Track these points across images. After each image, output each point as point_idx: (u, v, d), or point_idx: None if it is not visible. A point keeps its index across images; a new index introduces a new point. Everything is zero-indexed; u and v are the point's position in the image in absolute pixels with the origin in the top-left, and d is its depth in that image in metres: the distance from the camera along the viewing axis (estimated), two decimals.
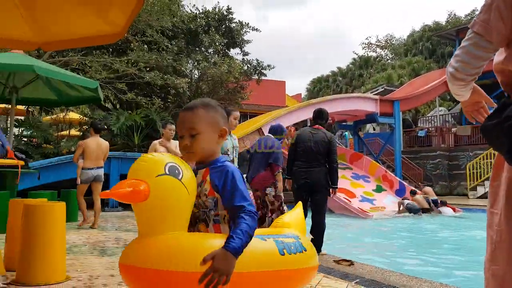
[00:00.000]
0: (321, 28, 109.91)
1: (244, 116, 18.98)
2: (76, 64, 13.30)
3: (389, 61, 38.56)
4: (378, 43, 41.80)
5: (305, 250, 1.84)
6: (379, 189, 14.69)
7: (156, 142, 7.03)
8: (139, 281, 1.57)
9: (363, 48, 42.80)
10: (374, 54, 40.90)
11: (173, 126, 6.93)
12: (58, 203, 3.66)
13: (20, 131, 14.98)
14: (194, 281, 1.42)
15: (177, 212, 1.60)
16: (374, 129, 26.32)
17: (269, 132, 6.26)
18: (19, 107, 14.80)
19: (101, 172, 7.46)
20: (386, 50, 41.20)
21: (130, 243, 1.68)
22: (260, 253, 1.67)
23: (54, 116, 17.99)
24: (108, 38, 4.98)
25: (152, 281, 1.51)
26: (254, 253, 1.62)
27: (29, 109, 17.61)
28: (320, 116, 5.64)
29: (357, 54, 40.75)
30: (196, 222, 1.72)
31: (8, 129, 8.15)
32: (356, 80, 36.91)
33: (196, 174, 1.74)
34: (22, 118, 15.67)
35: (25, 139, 14.27)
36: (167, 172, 1.57)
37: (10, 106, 8.29)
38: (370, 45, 41.73)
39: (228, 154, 4.67)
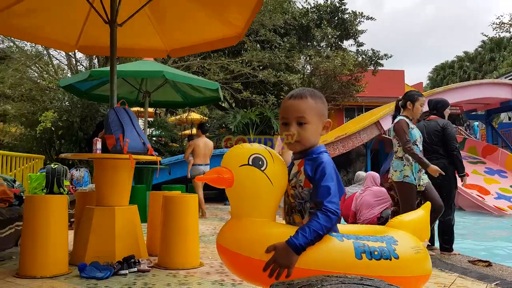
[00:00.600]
0: (443, 10, 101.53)
1: (359, 109, 18.48)
2: (196, 67, 14.32)
3: None
4: None
5: (396, 258, 1.60)
6: None
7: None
8: (224, 259, 1.69)
9: (493, 29, 38.38)
10: (507, 35, 36.44)
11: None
12: (192, 195, 3.99)
13: (150, 131, 16.65)
14: (249, 264, 1.52)
15: (259, 200, 1.66)
16: (510, 119, 23.52)
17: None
18: (149, 109, 16.46)
19: (207, 168, 8.05)
20: None
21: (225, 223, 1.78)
22: (330, 253, 1.55)
23: (178, 116, 19.60)
24: (229, 41, 5.30)
25: (231, 260, 1.62)
26: (323, 252, 1.54)
27: (157, 111, 19.43)
28: (434, 106, 5.30)
29: (486, 36, 36.77)
30: (292, 212, 1.73)
31: (143, 130, 9.14)
32: (486, 64, 33.38)
33: (292, 164, 1.76)
34: (151, 119, 17.40)
35: (154, 138, 15.81)
36: (250, 163, 1.63)
37: (142, 109, 9.27)
38: (502, 25, 37.22)
39: (417, 145, 4.53)
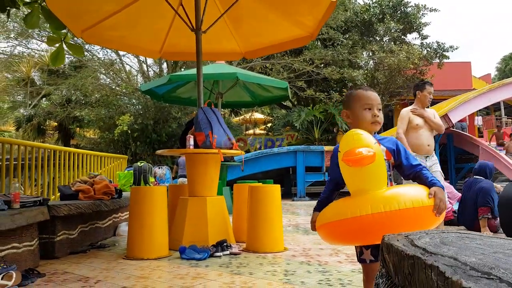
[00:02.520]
0: None
1: None
2: (259, 68, 14.72)
3: None
4: None
5: None
6: None
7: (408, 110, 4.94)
8: (364, 228, 1.86)
9: None
10: None
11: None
12: (275, 185, 4.30)
13: None
14: (407, 216, 1.81)
15: (384, 172, 1.94)
16: None
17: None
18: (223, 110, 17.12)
19: None
20: None
21: (336, 205, 1.97)
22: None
23: (242, 117, 20.16)
24: (301, 41, 5.57)
25: (384, 222, 1.83)
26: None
27: (222, 112, 20.11)
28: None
29: None
30: None
31: None
32: None
33: None
34: None
35: None
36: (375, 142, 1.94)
37: None
38: None
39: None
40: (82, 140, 17.15)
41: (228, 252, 3.96)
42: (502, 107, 22.35)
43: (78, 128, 18.99)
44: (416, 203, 1.83)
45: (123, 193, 5.39)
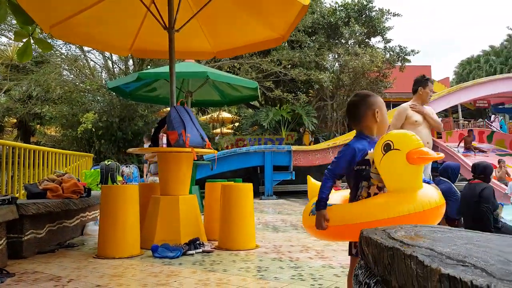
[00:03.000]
0: (469, 4, 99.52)
1: (387, 105, 18.53)
2: (227, 67, 14.74)
3: None
4: None
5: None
6: None
7: (406, 106, 4.65)
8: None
9: None
10: None
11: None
12: (248, 184, 4.37)
13: None
14: (435, 213, 2.03)
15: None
16: None
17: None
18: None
19: None
20: None
21: (369, 204, 2.09)
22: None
23: (209, 116, 20.10)
24: (272, 42, 5.67)
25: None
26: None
27: None
28: (481, 171, 5.01)
29: None
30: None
31: None
32: None
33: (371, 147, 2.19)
34: None
35: None
36: None
37: None
38: None
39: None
40: (43, 137, 16.56)
41: (200, 250, 4.00)
42: (460, 110, 23.39)
43: (39, 125, 18.34)
44: (439, 202, 2.05)
45: (91, 191, 5.30)
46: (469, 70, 35.67)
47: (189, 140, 4.27)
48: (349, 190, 2.65)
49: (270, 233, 5.28)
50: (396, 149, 2.09)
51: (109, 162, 6.94)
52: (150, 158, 8.17)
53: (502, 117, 21.58)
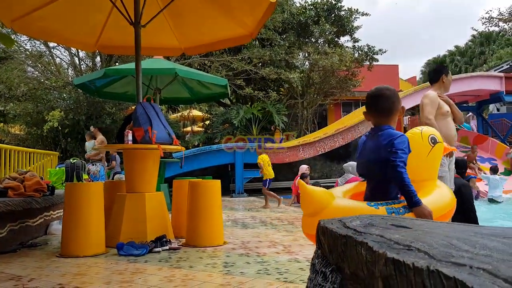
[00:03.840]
0: (436, 5, 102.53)
1: (356, 104, 18.90)
2: (197, 64, 14.64)
3: None
4: (501, 17, 37.73)
5: (409, 212, 2.15)
6: (507, 172, 13.65)
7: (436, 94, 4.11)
8: None
9: (483, 23, 39.00)
10: (496, 29, 37.02)
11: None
12: (216, 180, 4.36)
13: None
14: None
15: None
16: (498, 110, 24.13)
17: None
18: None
19: None
20: (510, 24, 37.04)
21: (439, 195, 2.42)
22: None
23: (179, 114, 19.91)
24: (241, 39, 5.67)
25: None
26: None
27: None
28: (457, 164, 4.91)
29: (476, 31, 37.38)
30: None
31: None
32: (476, 58, 33.98)
33: None
34: None
35: None
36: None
37: None
38: (492, 20, 37.82)
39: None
40: (6, 136, 16.00)
41: (167, 248, 3.96)
42: None
43: (2, 124, 17.70)
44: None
45: (55, 190, 5.16)
46: None
47: (156, 136, 4.22)
48: (348, 186, 2.78)
49: (239, 229, 5.29)
50: (439, 142, 2.52)
51: (75, 160, 6.78)
52: (93, 157, 7.99)
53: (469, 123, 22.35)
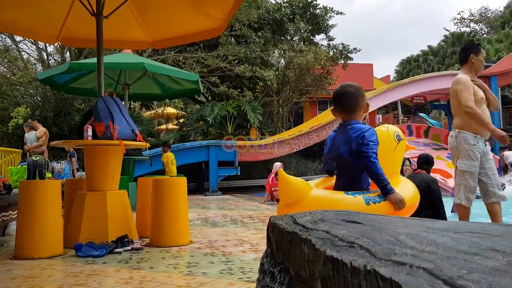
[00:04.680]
0: (410, 5, 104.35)
1: (331, 102, 18.99)
2: (171, 61, 14.38)
3: (484, 35, 35.63)
4: (472, 17, 38.72)
5: (385, 201, 2.24)
6: None
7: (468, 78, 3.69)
8: None
9: (455, 24, 40.13)
10: (467, 30, 38.04)
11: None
12: (181, 177, 4.22)
13: None
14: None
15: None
16: None
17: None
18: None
19: None
20: (480, 24, 38.07)
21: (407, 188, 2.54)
22: (352, 205, 2.15)
23: (153, 111, 19.58)
24: (211, 33, 5.52)
25: None
26: (347, 205, 2.13)
27: (131, 106, 19.36)
28: (425, 161, 5.07)
29: (448, 31, 38.21)
30: None
31: None
32: (449, 58, 34.68)
33: None
34: None
35: None
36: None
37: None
38: (463, 20, 38.83)
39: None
40: None
41: (129, 248, 3.80)
42: (399, 106, 24.39)
43: None
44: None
45: (13, 189, 4.91)
46: (409, 68, 37.34)
47: (118, 132, 4.04)
48: (316, 180, 2.75)
49: (207, 228, 5.15)
50: (403, 139, 2.67)
51: (37, 158, 6.50)
52: (34, 149, 7.67)
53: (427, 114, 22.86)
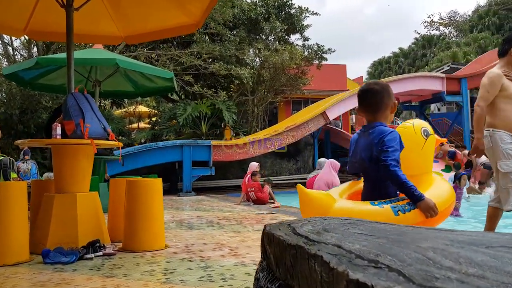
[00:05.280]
0: (382, 8, 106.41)
1: (306, 102, 19.01)
2: (143, 58, 14.03)
3: (453, 38, 36.66)
4: (441, 21, 39.80)
5: (415, 208, 2.07)
6: (448, 169, 14.20)
7: (500, 73, 3.45)
8: None
9: (425, 27, 41.11)
10: (437, 33, 39.08)
11: None
12: (156, 178, 4.02)
13: None
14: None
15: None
16: (439, 109, 25.29)
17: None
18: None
19: None
20: (450, 28, 39.17)
21: (442, 189, 2.41)
22: (379, 216, 2.01)
23: (124, 109, 19.10)
24: (186, 29, 5.32)
25: None
26: (375, 217, 1.97)
27: (101, 103, 18.83)
28: None
29: (419, 34, 39.16)
30: None
31: None
32: (419, 60, 35.52)
33: None
34: None
35: None
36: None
37: None
38: (433, 24, 39.86)
39: None
40: None
41: (101, 253, 3.58)
42: None
43: None
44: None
45: None
46: (380, 70, 38.04)
47: (89, 131, 3.81)
48: (343, 186, 2.65)
49: (183, 231, 4.97)
50: (431, 134, 2.49)
51: (1, 158, 6.14)
52: None
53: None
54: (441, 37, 37.61)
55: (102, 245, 3.67)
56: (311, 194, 2.16)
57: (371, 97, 2.25)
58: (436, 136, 2.60)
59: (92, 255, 3.51)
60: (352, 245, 0.93)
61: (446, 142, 13.19)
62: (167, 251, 3.74)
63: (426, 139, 2.46)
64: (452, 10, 55.85)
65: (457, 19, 38.76)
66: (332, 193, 2.36)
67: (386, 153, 2.07)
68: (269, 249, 1.19)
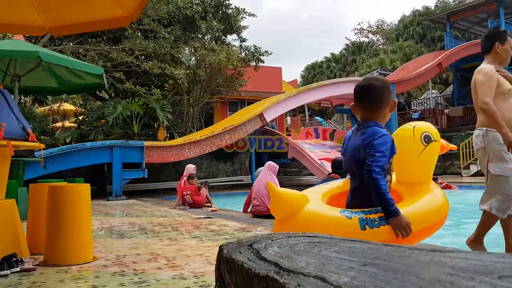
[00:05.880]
0: (316, 14, 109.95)
1: (242, 103, 18.96)
2: (70, 52, 13.14)
3: (381, 46, 38.63)
4: (370, 29, 41.81)
5: (387, 225, 1.92)
6: None
7: (493, 67, 3.33)
8: None
9: (355, 34, 43.02)
10: (366, 40, 40.97)
11: None
12: (84, 184, 3.64)
13: None
14: None
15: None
16: None
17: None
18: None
19: None
20: (378, 35, 41.25)
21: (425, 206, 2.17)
22: (342, 227, 1.89)
23: (48, 107, 17.81)
24: (120, 21, 4.90)
25: None
26: (338, 227, 1.88)
27: (21, 101, 17.40)
28: (339, 166, 5.15)
29: (349, 40, 40.79)
30: None
31: None
32: (349, 65, 36.99)
33: None
34: None
35: None
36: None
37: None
38: (362, 31, 41.76)
39: None
40: None
41: (18, 269, 3.16)
42: (306, 109, 25.32)
43: None
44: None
45: None
46: (313, 74, 39.11)
47: (4, 130, 3.36)
48: (325, 186, 2.42)
49: (113, 240, 4.59)
50: (435, 140, 2.25)
51: None
52: None
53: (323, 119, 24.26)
54: (369, 44, 39.49)
55: (19, 259, 3.24)
56: (281, 192, 2.00)
57: (370, 94, 2.09)
58: (444, 142, 2.35)
59: (8, 272, 3.08)
60: (338, 277, 0.76)
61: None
62: (95, 264, 3.39)
63: (426, 146, 2.23)
64: (380, 19, 59.03)
65: (384, 28, 40.91)
66: (316, 192, 2.21)
67: (372, 158, 1.92)
68: (229, 277, 0.99)
